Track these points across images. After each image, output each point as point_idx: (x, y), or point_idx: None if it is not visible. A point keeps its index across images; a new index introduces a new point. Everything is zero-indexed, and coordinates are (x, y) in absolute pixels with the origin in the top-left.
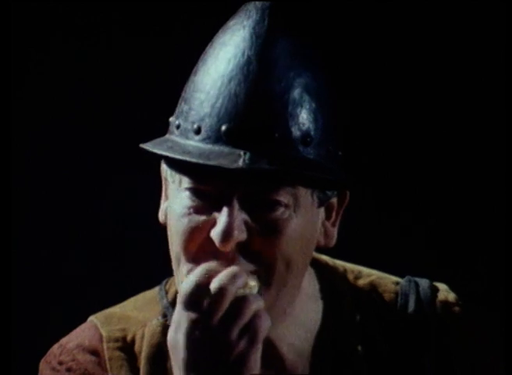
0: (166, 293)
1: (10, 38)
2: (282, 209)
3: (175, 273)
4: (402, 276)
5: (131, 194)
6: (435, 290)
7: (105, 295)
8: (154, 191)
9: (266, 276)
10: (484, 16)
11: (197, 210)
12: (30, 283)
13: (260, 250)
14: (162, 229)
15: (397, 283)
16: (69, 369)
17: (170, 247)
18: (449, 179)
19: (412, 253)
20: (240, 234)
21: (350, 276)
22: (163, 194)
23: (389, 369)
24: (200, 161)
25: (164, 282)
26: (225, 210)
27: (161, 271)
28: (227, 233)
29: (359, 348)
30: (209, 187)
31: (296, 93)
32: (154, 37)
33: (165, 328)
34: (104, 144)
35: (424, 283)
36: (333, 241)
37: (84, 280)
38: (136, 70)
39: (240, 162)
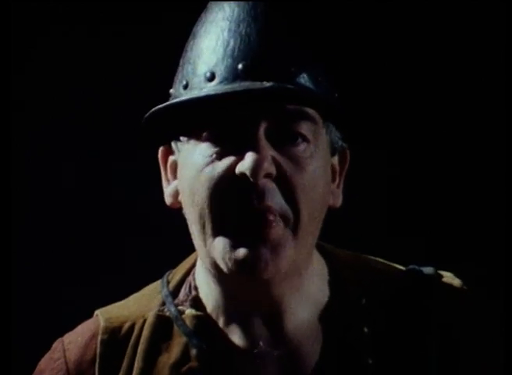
0: (168, 283)
1: (10, 38)
2: (304, 145)
3: (198, 241)
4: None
5: (132, 194)
6: (440, 276)
7: (106, 295)
8: (155, 191)
9: (293, 222)
10: (484, 16)
11: (220, 156)
12: (30, 283)
13: (286, 188)
14: (165, 228)
15: (402, 271)
16: (56, 369)
17: (190, 212)
18: (449, 177)
19: (410, 251)
20: (269, 166)
21: (356, 264)
22: (164, 179)
23: (394, 351)
24: (228, 90)
25: (167, 273)
26: (251, 145)
27: (163, 270)
28: (258, 162)
29: (365, 330)
30: (232, 127)
31: (303, 36)
32: (154, 36)
33: (160, 321)
34: (104, 144)
35: (428, 270)
36: (339, 201)
37: (85, 280)
38: (137, 70)
39: (267, 84)
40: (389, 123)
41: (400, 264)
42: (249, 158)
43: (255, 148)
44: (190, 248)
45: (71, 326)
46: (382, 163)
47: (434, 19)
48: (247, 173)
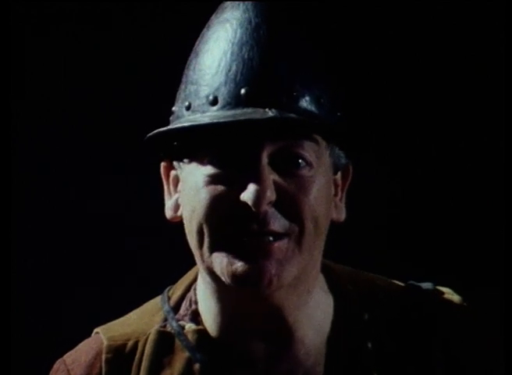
0: (169, 299)
1: (10, 38)
2: (307, 168)
3: (197, 254)
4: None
5: (132, 195)
6: (440, 292)
7: (107, 303)
8: (155, 192)
9: (297, 235)
10: (484, 15)
11: (221, 179)
12: (29, 286)
13: (290, 209)
14: (164, 232)
15: (401, 286)
16: None
17: (189, 226)
18: (449, 182)
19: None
20: (271, 195)
21: (355, 279)
22: (166, 192)
23: (398, 367)
24: (230, 119)
25: (167, 288)
26: (254, 171)
27: (162, 275)
28: (261, 193)
29: (368, 344)
30: (235, 152)
31: (305, 56)
32: (154, 37)
33: (162, 336)
34: (104, 145)
35: (427, 285)
36: (343, 216)
37: (85, 286)
38: (137, 70)
39: (271, 113)
40: (391, 139)
41: (400, 279)
42: (251, 188)
43: (257, 177)
44: (186, 261)
45: (68, 337)
46: (383, 178)
47: (437, 36)
48: (250, 203)
